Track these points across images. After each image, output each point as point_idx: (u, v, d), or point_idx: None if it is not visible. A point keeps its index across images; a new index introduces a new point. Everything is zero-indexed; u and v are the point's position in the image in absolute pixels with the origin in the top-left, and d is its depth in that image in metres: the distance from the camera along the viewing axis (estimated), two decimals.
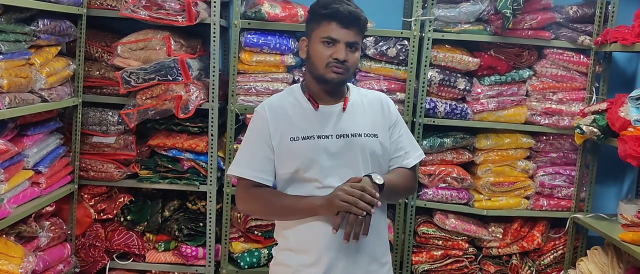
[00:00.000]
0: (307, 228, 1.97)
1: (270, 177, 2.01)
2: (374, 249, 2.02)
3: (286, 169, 1.98)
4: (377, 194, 1.87)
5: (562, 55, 3.29)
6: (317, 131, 1.97)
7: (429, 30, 3.21)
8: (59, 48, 2.98)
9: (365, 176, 1.91)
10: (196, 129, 3.29)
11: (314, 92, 2.03)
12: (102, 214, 3.36)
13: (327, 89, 2.01)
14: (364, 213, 1.83)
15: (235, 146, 3.27)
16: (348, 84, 2.09)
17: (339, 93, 2.05)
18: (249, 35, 3.19)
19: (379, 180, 1.90)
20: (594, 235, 3.27)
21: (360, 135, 1.99)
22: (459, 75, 3.30)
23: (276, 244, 3.37)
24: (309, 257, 1.97)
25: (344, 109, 2.02)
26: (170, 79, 3.07)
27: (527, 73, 3.32)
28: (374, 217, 1.90)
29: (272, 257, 3.30)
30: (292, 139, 1.96)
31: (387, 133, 2.06)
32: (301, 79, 2.12)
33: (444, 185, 3.36)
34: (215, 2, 3.14)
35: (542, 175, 3.41)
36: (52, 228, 3.03)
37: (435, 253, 3.39)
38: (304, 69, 3.28)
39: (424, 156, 2.20)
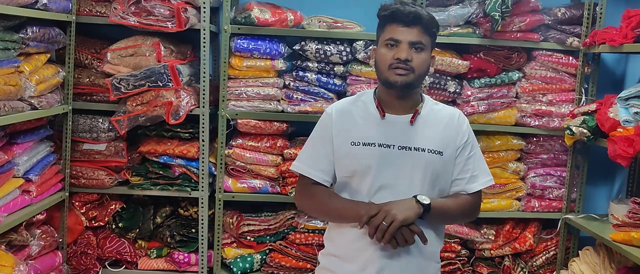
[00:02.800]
0: (355, 236, 1.94)
1: (328, 177, 2.01)
2: (422, 264, 1.97)
3: (343, 172, 1.98)
4: (413, 239, 1.85)
5: (551, 57, 3.31)
6: (380, 139, 1.95)
7: None
8: (48, 55, 2.97)
9: (413, 196, 1.88)
10: (187, 135, 3.29)
11: (383, 100, 2.00)
12: (93, 222, 3.35)
13: (395, 93, 1.96)
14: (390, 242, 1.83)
15: (226, 151, 3.27)
16: (424, 95, 2.06)
17: (409, 102, 1.99)
18: (239, 41, 3.19)
19: (424, 200, 1.86)
20: (586, 235, 3.28)
21: (423, 150, 1.94)
22: (449, 78, 3.31)
23: (270, 249, 3.37)
24: (353, 265, 1.95)
25: (412, 121, 1.97)
26: (161, 85, 3.07)
27: (517, 75, 3.34)
28: (427, 235, 1.89)
29: (265, 263, 3.34)
30: (353, 143, 1.95)
31: (455, 153, 1.99)
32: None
33: None
34: (204, 7, 3.14)
35: (533, 176, 3.42)
36: (43, 236, 3.01)
37: None
38: (294, 73, 3.29)
39: (493, 183, 2.10)
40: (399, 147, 1.94)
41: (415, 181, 1.93)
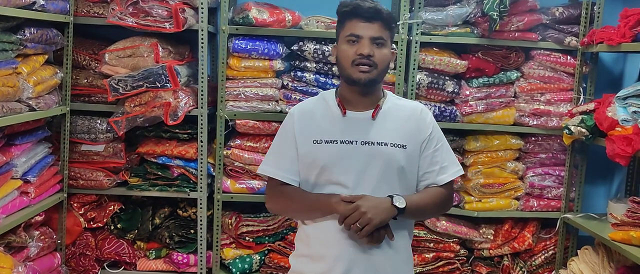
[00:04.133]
0: (325, 233, 1.95)
1: (296, 177, 2.01)
2: (393, 265, 1.98)
3: (307, 170, 1.98)
4: (393, 237, 1.88)
5: (549, 57, 3.31)
6: (342, 136, 1.95)
7: (417, 34, 3.22)
8: (46, 57, 2.97)
9: (388, 196, 1.89)
10: (185, 135, 3.29)
11: (345, 98, 2.01)
12: (92, 223, 3.35)
13: (357, 90, 1.97)
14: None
15: (225, 152, 3.27)
16: (387, 91, 2.07)
17: (371, 98, 2.00)
18: (237, 41, 3.18)
19: (400, 203, 1.87)
20: (585, 235, 3.28)
21: (386, 144, 1.95)
22: (447, 77, 3.31)
23: (269, 250, 3.37)
24: (323, 264, 1.95)
25: (373, 116, 1.98)
26: (159, 86, 3.07)
27: (515, 75, 3.34)
28: (397, 232, 1.91)
29: (265, 263, 3.35)
30: (315, 141, 1.96)
31: (419, 146, 2.00)
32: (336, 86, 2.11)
33: None
34: (202, 8, 3.14)
35: (532, 176, 3.42)
36: (41, 237, 3.00)
37: (426, 256, 3.39)
38: (292, 74, 3.28)
39: (462, 173, 2.11)
40: (362, 143, 1.95)
41: (379, 175, 1.93)
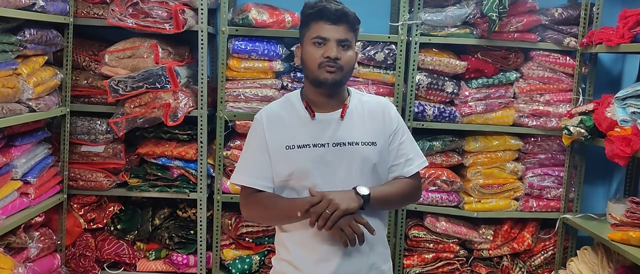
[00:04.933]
0: (305, 238, 1.95)
1: (270, 183, 1.99)
2: (372, 258, 1.99)
3: (280, 176, 1.97)
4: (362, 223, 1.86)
5: (548, 57, 3.32)
6: (313, 139, 1.95)
7: (416, 35, 3.22)
8: (46, 58, 2.97)
9: (353, 188, 1.89)
10: (185, 136, 3.29)
11: (311, 100, 2.00)
12: (92, 224, 3.35)
13: (323, 92, 1.97)
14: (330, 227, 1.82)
15: (224, 153, 3.27)
16: (350, 89, 2.07)
17: (337, 99, 2.00)
18: (236, 42, 3.19)
19: (363, 191, 1.88)
20: (584, 235, 3.29)
21: (357, 144, 1.95)
22: (446, 78, 3.31)
23: (268, 251, 3.38)
24: (305, 269, 1.95)
25: (342, 116, 1.98)
26: (159, 86, 3.07)
27: (514, 75, 3.34)
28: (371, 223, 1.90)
29: (264, 264, 3.35)
30: (288, 147, 1.95)
31: (387, 141, 2.01)
32: (302, 87, 2.09)
33: (434, 188, 3.37)
34: (202, 9, 3.14)
35: (531, 176, 3.42)
36: (41, 238, 3.01)
37: (426, 256, 3.39)
38: (291, 75, 3.29)
39: (427, 164, 2.14)
40: (333, 145, 1.95)
41: (353, 175, 1.93)
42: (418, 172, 2.08)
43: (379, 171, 2.00)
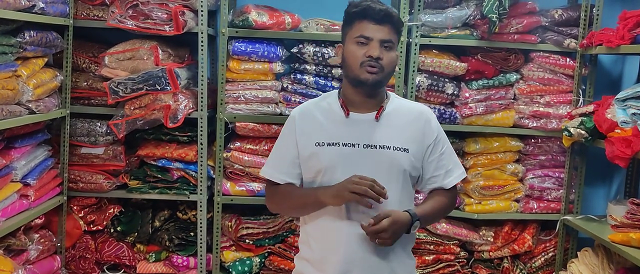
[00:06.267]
0: (326, 233, 1.95)
1: (295, 180, 2.01)
2: (392, 266, 1.97)
3: (309, 173, 1.98)
4: (384, 197, 1.84)
5: (548, 59, 3.31)
6: (344, 138, 1.94)
7: (416, 36, 3.22)
8: (46, 59, 2.97)
9: (404, 211, 1.88)
10: (185, 138, 3.29)
11: (348, 99, 1.99)
12: (92, 226, 3.34)
13: (363, 91, 1.95)
14: (372, 200, 1.81)
15: (224, 155, 3.27)
16: (389, 93, 2.06)
17: (375, 100, 1.98)
18: (237, 44, 3.19)
19: (414, 229, 1.89)
20: (584, 237, 3.29)
21: (389, 148, 1.93)
22: (447, 80, 3.31)
23: (269, 252, 3.37)
24: (324, 267, 1.95)
25: (377, 118, 1.97)
26: (159, 88, 3.07)
27: (515, 77, 3.34)
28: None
29: (264, 266, 3.35)
30: (317, 144, 1.95)
31: (422, 149, 1.99)
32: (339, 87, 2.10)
33: None
34: (202, 11, 3.14)
35: (532, 178, 3.42)
36: (41, 240, 3.00)
37: (427, 258, 3.39)
38: (291, 76, 3.28)
39: (466, 175, 2.11)
40: (364, 146, 1.94)
41: (382, 178, 1.90)
42: (456, 184, 2.08)
43: (409, 177, 1.98)
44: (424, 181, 2.04)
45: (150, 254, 3.38)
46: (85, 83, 3.24)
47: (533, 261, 3.49)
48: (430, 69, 3.28)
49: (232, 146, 3.30)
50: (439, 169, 2.02)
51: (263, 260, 3.37)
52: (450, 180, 2.04)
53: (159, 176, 3.28)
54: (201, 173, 3.25)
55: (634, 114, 2.80)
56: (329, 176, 1.94)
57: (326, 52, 3.20)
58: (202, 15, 3.15)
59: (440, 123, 3.22)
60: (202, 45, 3.17)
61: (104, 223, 3.35)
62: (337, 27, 3.24)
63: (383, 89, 2.02)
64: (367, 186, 1.80)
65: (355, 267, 1.92)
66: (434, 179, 2.03)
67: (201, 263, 3.32)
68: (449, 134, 3.33)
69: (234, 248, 3.40)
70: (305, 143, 1.97)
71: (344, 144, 1.94)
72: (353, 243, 1.91)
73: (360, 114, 1.97)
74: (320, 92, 3.27)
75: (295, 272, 2.10)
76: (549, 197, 3.45)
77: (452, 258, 3.40)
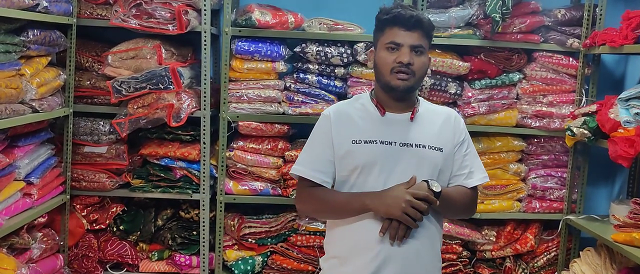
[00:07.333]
0: (357, 235, 1.95)
1: (329, 179, 2.01)
2: (426, 261, 1.99)
3: (344, 170, 1.98)
4: (437, 202, 1.87)
5: (551, 59, 3.31)
6: (381, 136, 1.96)
7: None
8: (49, 58, 2.98)
9: (423, 181, 1.90)
10: (188, 137, 3.29)
11: (381, 101, 2.01)
12: (94, 225, 3.35)
13: (394, 96, 1.98)
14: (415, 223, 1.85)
15: (227, 154, 3.27)
16: (419, 97, 2.08)
17: (407, 102, 2.01)
18: (240, 43, 3.19)
19: (436, 187, 1.89)
20: (587, 236, 3.28)
21: (425, 146, 1.96)
22: (449, 79, 3.31)
23: (271, 252, 3.38)
24: (353, 266, 1.95)
25: (412, 118, 1.99)
26: (162, 87, 3.07)
27: (517, 76, 3.34)
28: (427, 230, 1.94)
29: (267, 265, 3.35)
30: (354, 141, 1.96)
31: (453, 149, 2.03)
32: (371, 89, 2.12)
33: None
34: (205, 10, 3.15)
35: (534, 177, 3.42)
36: (44, 239, 3.01)
37: None
38: (294, 75, 3.29)
39: (488, 180, 2.14)
40: (400, 144, 1.96)
41: (419, 177, 1.92)
42: (477, 187, 2.09)
43: (443, 177, 2.01)
44: (447, 180, 2.05)
45: (153, 253, 3.38)
46: (89, 82, 3.25)
47: (535, 261, 3.49)
48: (433, 69, 3.28)
49: (234, 145, 3.30)
50: (463, 168, 2.05)
51: (265, 259, 3.37)
52: (472, 181, 2.06)
53: (162, 175, 3.28)
54: (204, 172, 3.25)
55: (637, 113, 2.80)
56: (366, 174, 1.95)
57: (329, 51, 3.20)
58: (205, 14, 3.15)
59: None
60: (205, 45, 3.17)
61: (107, 222, 3.35)
62: (339, 26, 3.25)
63: (415, 93, 2.05)
64: (423, 209, 1.84)
65: (385, 264, 1.92)
66: (456, 178, 2.05)
67: (204, 262, 3.32)
68: None
69: (236, 247, 3.40)
70: (341, 141, 1.98)
71: (381, 142, 1.95)
72: (387, 241, 1.91)
73: (395, 114, 2.00)
74: (323, 92, 3.28)
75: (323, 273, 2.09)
76: (552, 197, 3.45)
77: (455, 257, 3.40)
